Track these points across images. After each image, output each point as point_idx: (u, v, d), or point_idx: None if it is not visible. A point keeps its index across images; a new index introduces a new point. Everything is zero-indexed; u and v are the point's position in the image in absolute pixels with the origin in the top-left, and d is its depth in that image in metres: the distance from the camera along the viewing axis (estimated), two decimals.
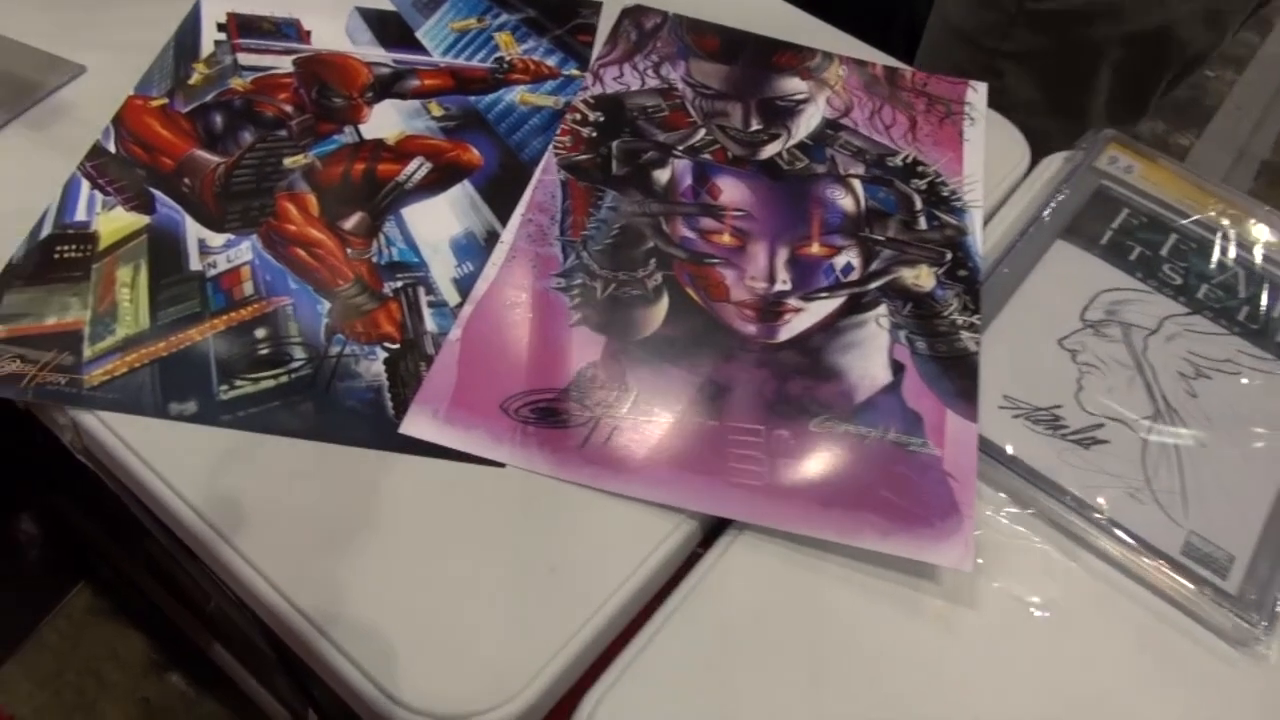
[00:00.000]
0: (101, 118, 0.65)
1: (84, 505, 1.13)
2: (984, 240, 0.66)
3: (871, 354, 0.59)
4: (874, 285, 0.63)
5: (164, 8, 0.73)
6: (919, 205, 0.68)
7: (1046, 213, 0.68)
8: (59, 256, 0.57)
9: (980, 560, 0.51)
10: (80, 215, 0.60)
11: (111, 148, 0.64)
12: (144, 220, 0.60)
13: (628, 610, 0.49)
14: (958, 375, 0.57)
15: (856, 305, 0.61)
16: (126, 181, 0.62)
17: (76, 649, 1.25)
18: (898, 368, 0.58)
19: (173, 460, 0.50)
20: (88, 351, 0.53)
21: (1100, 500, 0.54)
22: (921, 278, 0.63)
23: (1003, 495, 0.54)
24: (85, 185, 0.61)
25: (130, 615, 1.28)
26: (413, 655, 0.45)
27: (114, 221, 0.59)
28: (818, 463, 0.53)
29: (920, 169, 0.71)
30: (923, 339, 0.59)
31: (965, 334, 0.60)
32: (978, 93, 0.78)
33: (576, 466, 0.52)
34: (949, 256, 0.64)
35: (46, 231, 0.58)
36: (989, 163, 0.72)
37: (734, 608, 0.49)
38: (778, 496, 0.52)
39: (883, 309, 0.61)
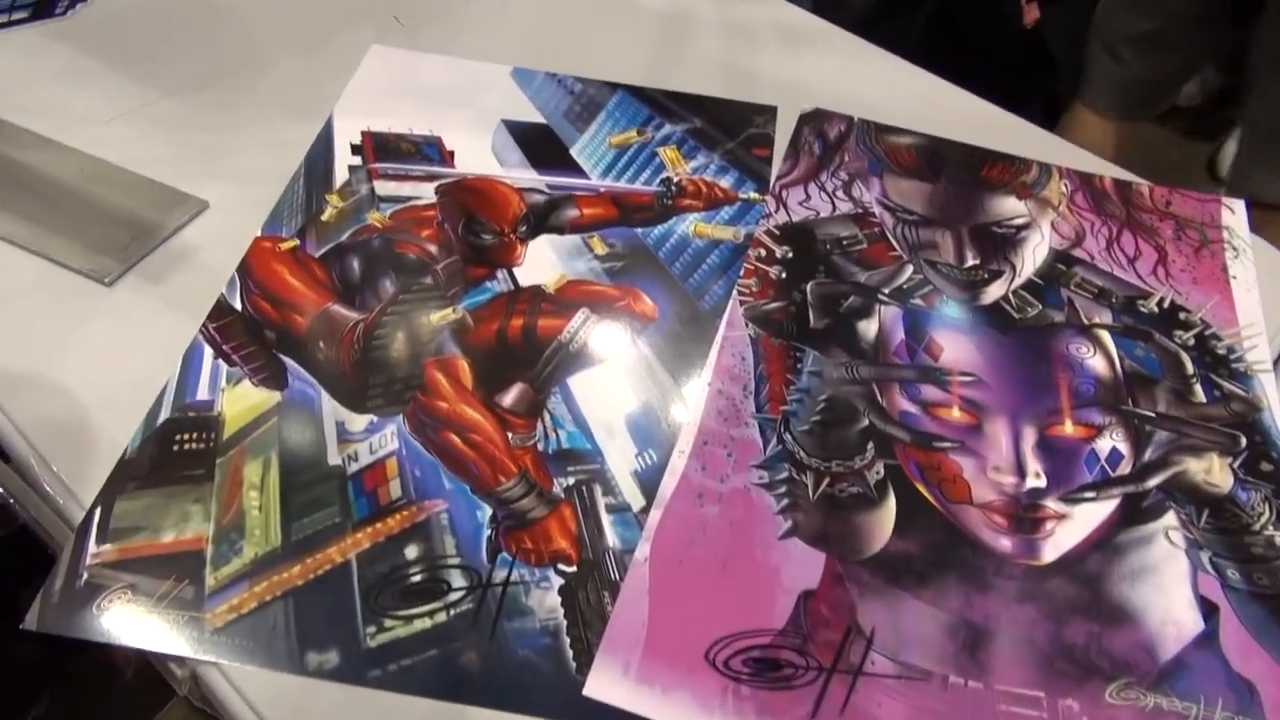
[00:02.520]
0: (226, 263, 0.57)
1: None
2: None
3: (1170, 586, 0.46)
4: (1153, 481, 0.50)
5: (294, 127, 0.65)
6: (1191, 369, 0.55)
7: None
8: (179, 448, 0.49)
9: None
10: (203, 393, 0.51)
11: (237, 304, 0.55)
12: (275, 398, 0.51)
13: None
14: None
15: (1137, 512, 0.49)
16: (255, 348, 0.53)
17: None
18: (1209, 608, 0.45)
19: None
20: (210, 579, 0.44)
21: None
22: (1214, 473, 0.50)
23: None
24: (208, 353, 0.53)
25: None
26: None
27: (241, 400, 0.51)
28: None
29: (1183, 316, 0.58)
30: (1234, 565, 0.47)
31: None
32: (1235, 214, 0.65)
33: None
34: (1243, 442, 0.52)
35: (165, 414, 0.50)
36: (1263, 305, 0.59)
37: None
38: None
39: (1171, 518, 0.49)
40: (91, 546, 0.45)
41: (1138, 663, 0.43)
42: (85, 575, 0.44)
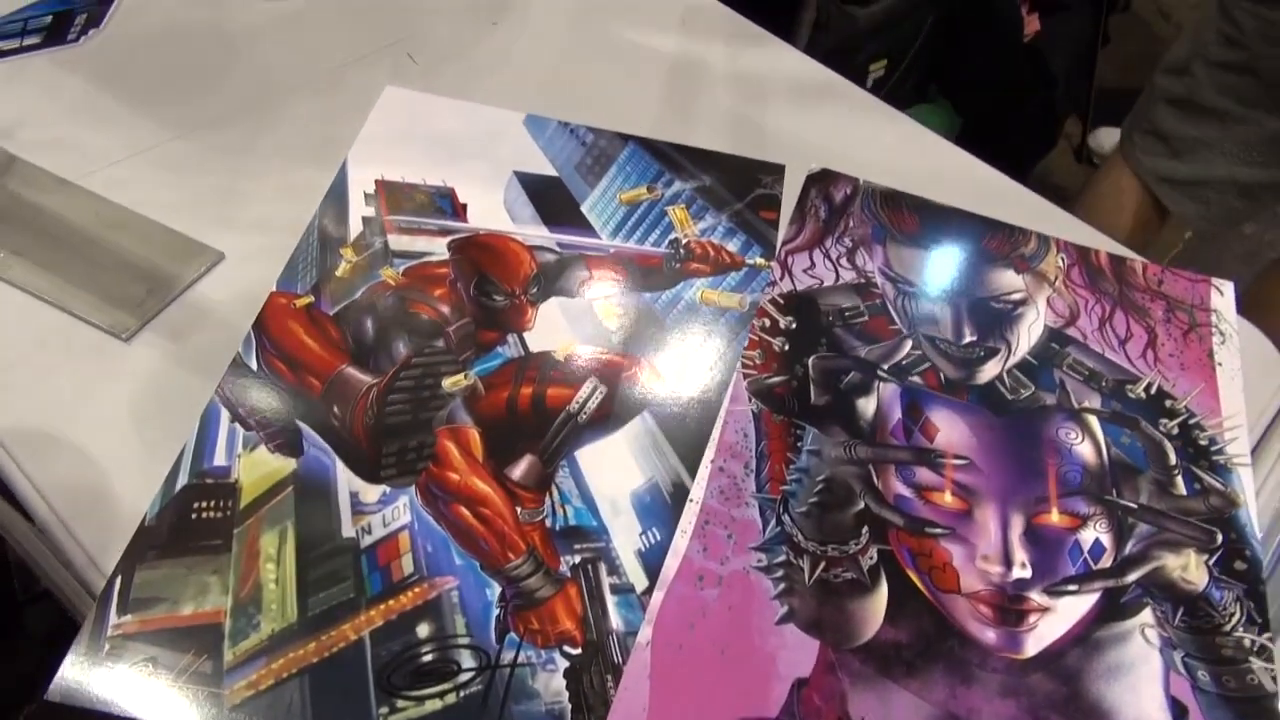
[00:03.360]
0: (242, 318, 0.58)
1: None
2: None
3: (1143, 685, 0.49)
4: (1132, 576, 0.53)
5: (309, 173, 0.66)
6: (1173, 459, 0.57)
7: None
8: (197, 516, 0.50)
9: None
10: (220, 458, 0.52)
11: (253, 363, 0.56)
12: (290, 465, 0.52)
13: None
14: None
15: (1115, 608, 0.51)
16: (270, 412, 0.54)
17: None
18: (1179, 710, 0.48)
19: None
20: (228, 655, 0.46)
21: None
22: (1190, 570, 0.53)
23: None
24: (225, 415, 0.54)
25: None
26: None
27: (258, 467, 0.52)
28: None
29: (1169, 404, 0.60)
30: (1204, 666, 0.49)
31: (1257, 663, 0.49)
32: (1224, 296, 0.67)
33: None
34: (1219, 539, 0.54)
35: (183, 480, 0.51)
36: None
37: None
38: None
39: (1148, 615, 0.51)
40: (113, 616, 0.46)
41: None
42: (107, 646, 0.46)
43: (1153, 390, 0.61)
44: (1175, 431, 0.59)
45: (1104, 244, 0.70)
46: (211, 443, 0.53)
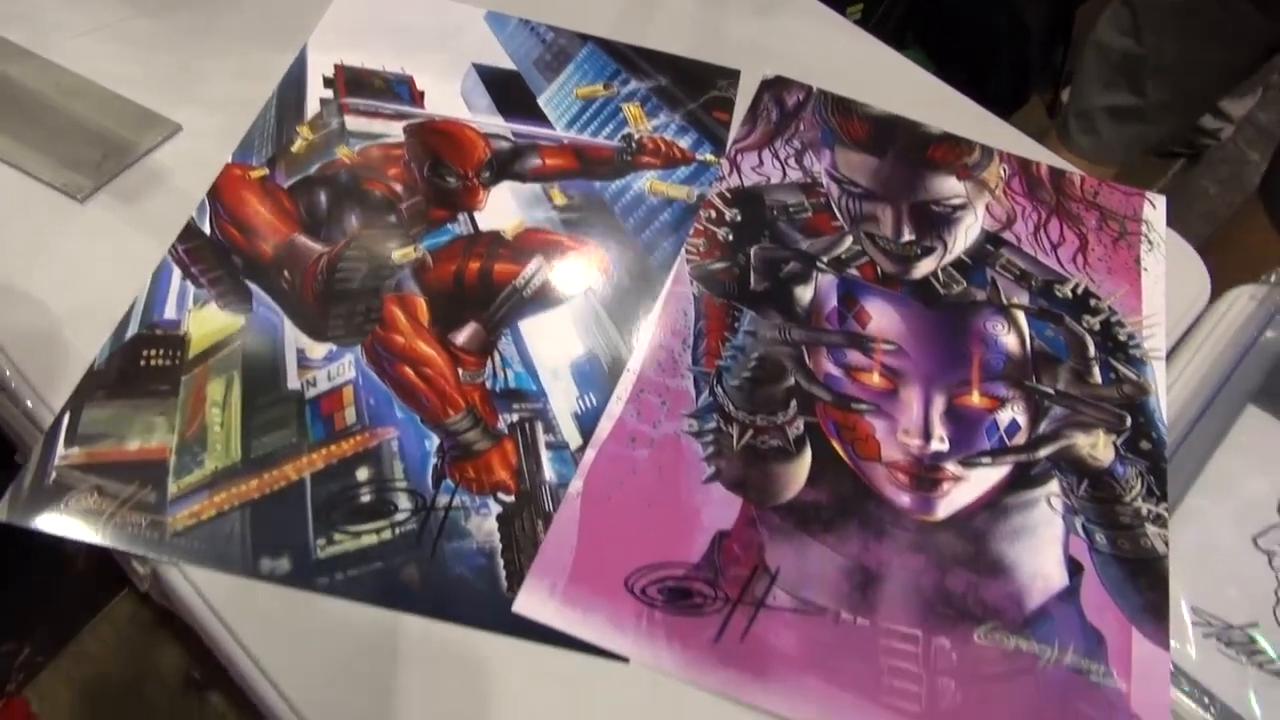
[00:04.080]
0: (197, 187, 0.59)
1: None
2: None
3: (1044, 545, 0.51)
4: (1044, 452, 0.55)
5: (268, 56, 0.67)
6: (1092, 351, 0.60)
7: (1233, 371, 0.60)
8: (146, 363, 0.52)
9: None
10: (170, 312, 0.54)
11: (206, 228, 0.58)
12: (239, 321, 0.54)
13: None
14: (1145, 585, 0.50)
15: (1024, 479, 0.54)
16: (222, 272, 0.56)
17: (117, 660, 1.22)
18: (1075, 567, 0.51)
19: (261, 628, 0.45)
20: (173, 487, 0.48)
21: None
22: (1099, 448, 0.56)
23: None
24: (176, 274, 0.55)
25: (173, 628, 1.25)
26: None
27: (207, 322, 0.54)
28: (984, 688, 0.46)
29: (1093, 303, 0.63)
30: (1102, 531, 0.52)
31: (1152, 528, 0.52)
32: (1156, 209, 0.70)
33: (710, 667, 0.46)
34: (1128, 422, 0.57)
35: (133, 330, 0.53)
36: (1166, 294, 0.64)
37: None
38: None
39: (1055, 485, 0.54)
40: (60, 449, 0.48)
41: (1006, 610, 0.49)
42: (54, 474, 0.47)
43: (1079, 290, 0.64)
44: (1097, 328, 0.62)
45: (1046, 158, 0.72)
46: (162, 298, 0.54)
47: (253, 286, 0.56)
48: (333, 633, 0.45)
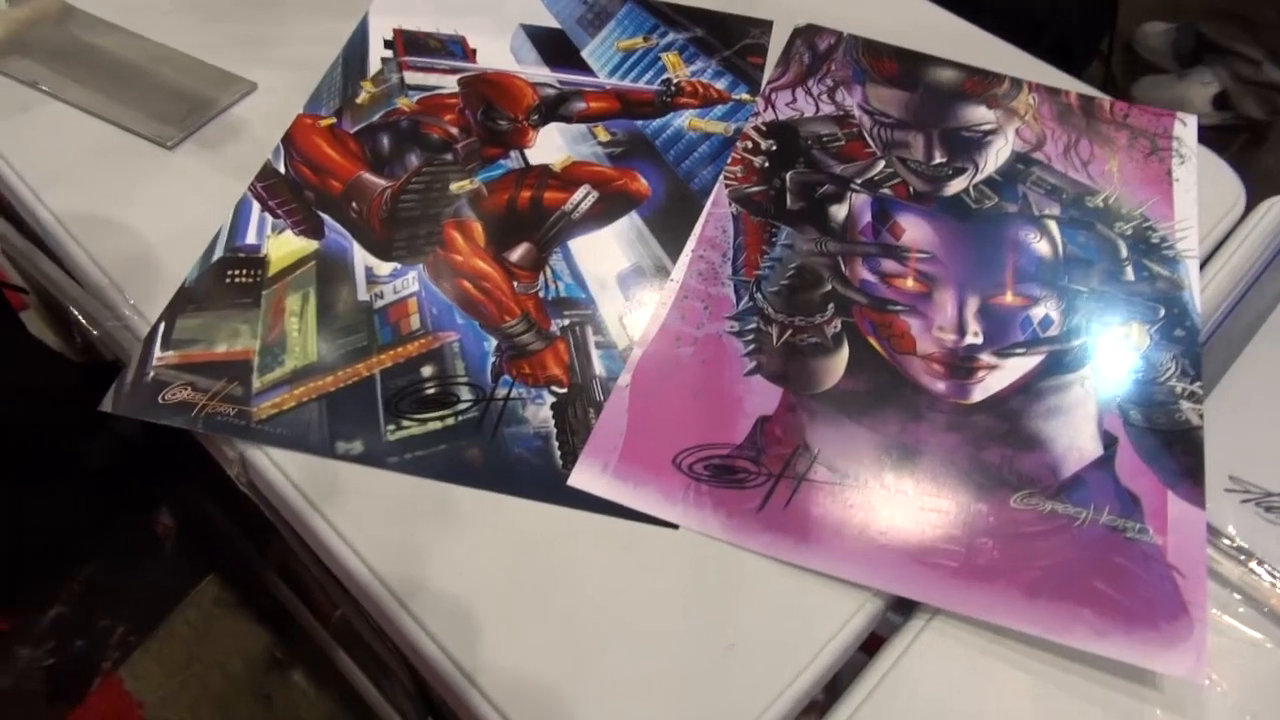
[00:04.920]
0: (272, 136, 0.65)
1: (218, 501, 1.15)
2: (1204, 293, 0.60)
3: (1079, 422, 0.53)
4: (1076, 342, 0.57)
5: (333, 24, 0.72)
6: (1125, 253, 0.62)
7: (1271, 265, 0.61)
8: (230, 281, 0.57)
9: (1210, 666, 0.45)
10: (251, 238, 0.59)
11: (281, 168, 0.63)
12: (313, 245, 0.59)
13: (807, 697, 0.45)
14: (1180, 452, 0.51)
15: (1059, 365, 0.56)
16: (296, 204, 0.61)
17: (204, 641, 1.28)
18: (1109, 440, 0.52)
19: (339, 501, 0.48)
20: (256, 383, 0.52)
21: None
22: (1132, 336, 0.57)
23: (1231, 593, 0.48)
24: (256, 207, 0.61)
25: (256, 610, 1.30)
26: None
27: (284, 246, 0.59)
28: (1020, 544, 0.48)
29: (1125, 211, 0.64)
30: (1137, 408, 0.53)
31: (1186, 404, 0.53)
32: (1186, 126, 0.71)
33: (754, 532, 0.49)
34: (1162, 313, 0.58)
35: (218, 254, 0.58)
36: (1201, 205, 0.65)
37: (924, 706, 0.45)
38: (976, 581, 0.47)
39: (1088, 370, 0.55)
40: (157, 352, 0.53)
41: (1041, 478, 0.51)
42: (152, 374, 0.52)
43: (1111, 201, 0.65)
44: (1129, 232, 0.63)
45: (1076, 87, 0.74)
46: (244, 226, 0.59)
47: (324, 216, 0.61)
48: (403, 504, 0.49)
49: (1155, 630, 0.45)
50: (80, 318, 0.59)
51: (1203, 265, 0.63)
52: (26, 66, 0.66)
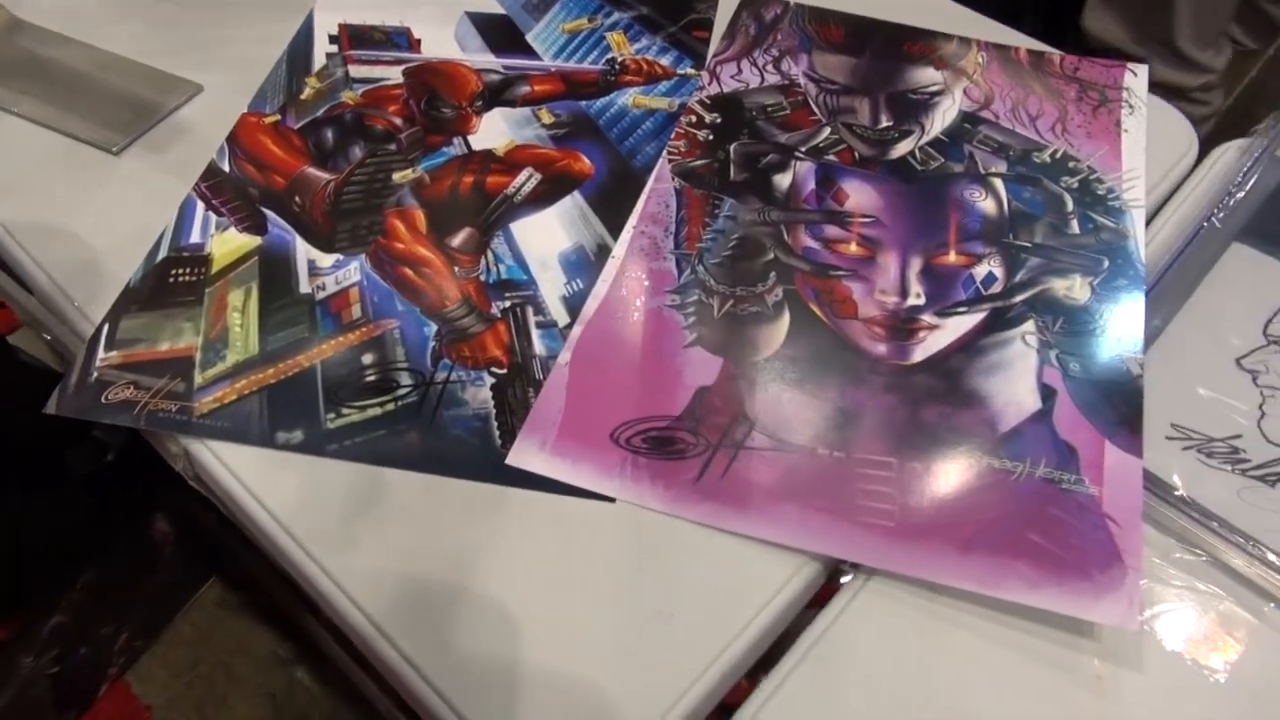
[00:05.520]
0: (218, 136, 0.65)
1: (206, 504, 1.17)
2: (1147, 245, 0.59)
3: (1018, 377, 0.53)
4: (1020, 298, 0.57)
5: (278, 23, 0.73)
6: (1070, 206, 0.61)
7: (1220, 211, 0.60)
8: (174, 280, 0.57)
9: (1146, 615, 0.45)
10: (195, 237, 0.60)
11: (226, 167, 0.63)
12: (256, 241, 0.59)
13: (744, 662, 0.45)
14: (1119, 402, 0.51)
15: (1000, 321, 0.56)
16: (239, 201, 0.61)
17: (208, 643, 1.29)
18: (1048, 393, 0.52)
19: (279, 491, 0.49)
20: (198, 378, 0.53)
21: None
22: (1075, 289, 0.57)
23: (1172, 540, 0.48)
24: (200, 206, 0.61)
25: (257, 611, 1.32)
26: (510, 700, 0.43)
27: (227, 243, 0.59)
28: (956, 500, 0.48)
29: (1072, 165, 0.64)
30: (1077, 360, 0.53)
31: (1127, 354, 0.53)
32: (1137, 76, 0.70)
33: (691, 502, 0.49)
34: (1105, 264, 0.58)
35: (162, 254, 0.59)
36: (1152, 155, 0.65)
37: (861, 665, 0.45)
38: (910, 539, 0.47)
39: (1030, 325, 0.55)
40: (100, 353, 0.54)
41: (978, 433, 0.50)
42: (95, 374, 0.53)
43: (1058, 155, 0.65)
44: (1075, 185, 0.63)
45: (1026, 43, 0.73)
46: (188, 226, 0.60)
47: (267, 212, 0.61)
48: (343, 490, 0.49)
49: (1088, 580, 0.44)
50: (30, 324, 0.59)
51: (1154, 215, 0.63)
52: None
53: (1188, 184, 0.64)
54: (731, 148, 0.65)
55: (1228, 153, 0.65)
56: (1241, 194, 0.60)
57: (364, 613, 0.46)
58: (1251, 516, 0.48)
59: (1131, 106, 0.68)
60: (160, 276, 0.57)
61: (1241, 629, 0.45)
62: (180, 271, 0.58)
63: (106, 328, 0.55)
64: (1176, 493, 0.48)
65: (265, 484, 0.49)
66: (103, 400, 0.52)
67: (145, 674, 1.27)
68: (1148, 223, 0.61)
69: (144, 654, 1.28)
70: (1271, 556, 0.46)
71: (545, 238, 0.60)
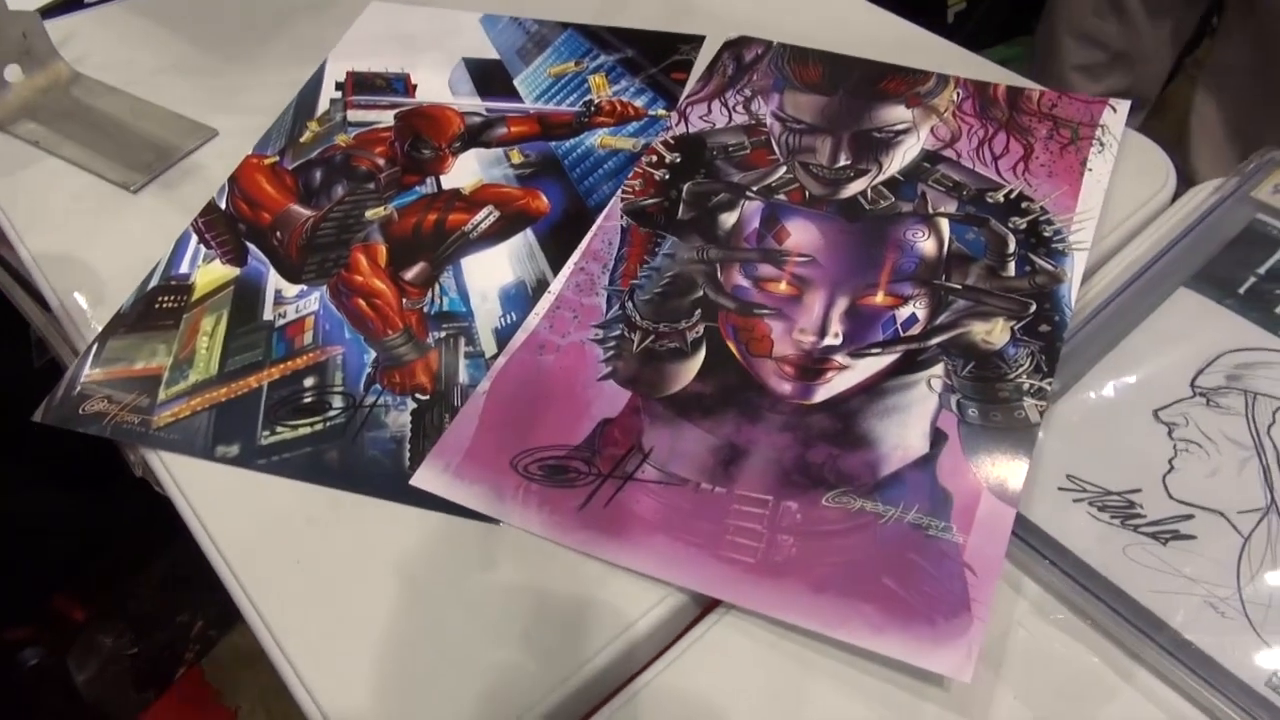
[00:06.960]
0: (223, 176, 0.72)
1: None
2: (1092, 287, 0.58)
3: (913, 421, 0.53)
4: (936, 340, 0.56)
5: (297, 72, 0.80)
6: (1012, 248, 0.60)
7: (1164, 255, 0.58)
8: (159, 306, 0.64)
9: (1005, 670, 0.44)
10: (184, 268, 0.66)
11: (223, 204, 0.70)
12: (234, 272, 0.66)
13: (591, 689, 0.47)
14: (1007, 449, 0.50)
15: (912, 364, 0.55)
16: (228, 236, 0.68)
17: None
18: (939, 437, 0.52)
19: (208, 499, 0.54)
20: (162, 394, 0.59)
21: (1171, 610, 0.45)
22: (994, 333, 0.56)
23: (1049, 595, 0.47)
24: (194, 239, 0.68)
25: None
26: (369, 699, 0.46)
27: (210, 274, 0.66)
28: (820, 542, 0.49)
29: (1025, 205, 0.63)
30: (976, 405, 0.53)
31: (1029, 400, 0.52)
32: (1117, 113, 0.68)
33: (570, 530, 0.51)
34: (1033, 308, 0.57)
35: (154, 283, 0.66)
36: (1125, 194, 0.63)
37: (706, 697, 0.46)
38: (767, 576, 0.48)
39: (939, 369, 0.55)
40: (87, 369, 0.61)
41: (859, 476, 0.51)
42: (79, 388, 0.60)
43: (1013, 196, 0.64)
44: (1023, 227, 0.62)
45: (1009, 79, 0.72)
46: (180, 258, 0.67)
47: (250, 246, 0.68)
48: (262, 502, 0.54)
49: (931, 627, 0.44)
50: (48, 339, 0.68)
51: (1110, 255, 0.61)
52: (32, 129, 0.77)
53: (1152, 225, 0.62)
54: (685, 187, 0.68)
55: (1202, 193, 0.63)
56: (1190, 238, 0.58)
57: (266, 625, 0.50)
58: (1137, 577, 0.46)
59: (1103, 145, 0.66)
60: (149, 303, 0.65)
61: (1107, 693, 0.44)
62: (166, 299, 0.65)
63: (96, 346, 0.62)
64: (1058, 545, 0.47)
65: (198, 492, 0.55)
66: (80, 411, 0.59)
67: (218, 660, 1.38)
68: (1104, 262, 0.60)
69: (219, 643, 1.39)
70: (1150, 620, 0.45)
71: (490, 272, 0.64)
